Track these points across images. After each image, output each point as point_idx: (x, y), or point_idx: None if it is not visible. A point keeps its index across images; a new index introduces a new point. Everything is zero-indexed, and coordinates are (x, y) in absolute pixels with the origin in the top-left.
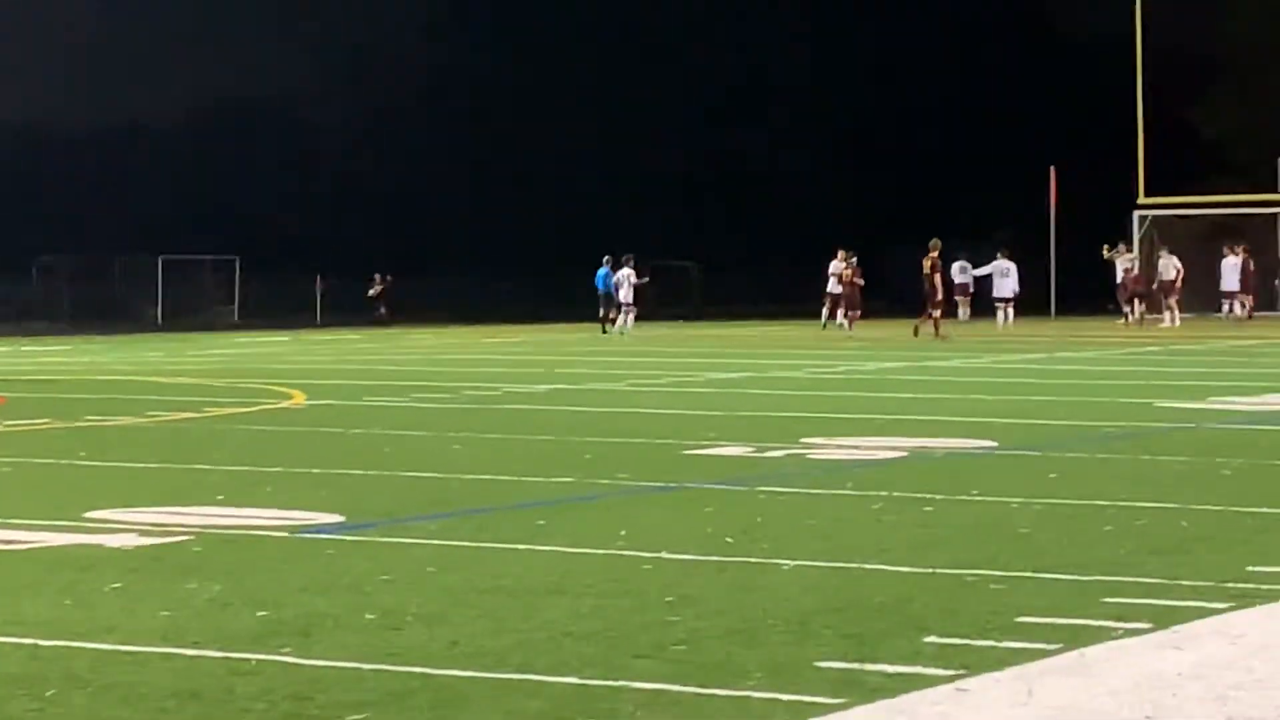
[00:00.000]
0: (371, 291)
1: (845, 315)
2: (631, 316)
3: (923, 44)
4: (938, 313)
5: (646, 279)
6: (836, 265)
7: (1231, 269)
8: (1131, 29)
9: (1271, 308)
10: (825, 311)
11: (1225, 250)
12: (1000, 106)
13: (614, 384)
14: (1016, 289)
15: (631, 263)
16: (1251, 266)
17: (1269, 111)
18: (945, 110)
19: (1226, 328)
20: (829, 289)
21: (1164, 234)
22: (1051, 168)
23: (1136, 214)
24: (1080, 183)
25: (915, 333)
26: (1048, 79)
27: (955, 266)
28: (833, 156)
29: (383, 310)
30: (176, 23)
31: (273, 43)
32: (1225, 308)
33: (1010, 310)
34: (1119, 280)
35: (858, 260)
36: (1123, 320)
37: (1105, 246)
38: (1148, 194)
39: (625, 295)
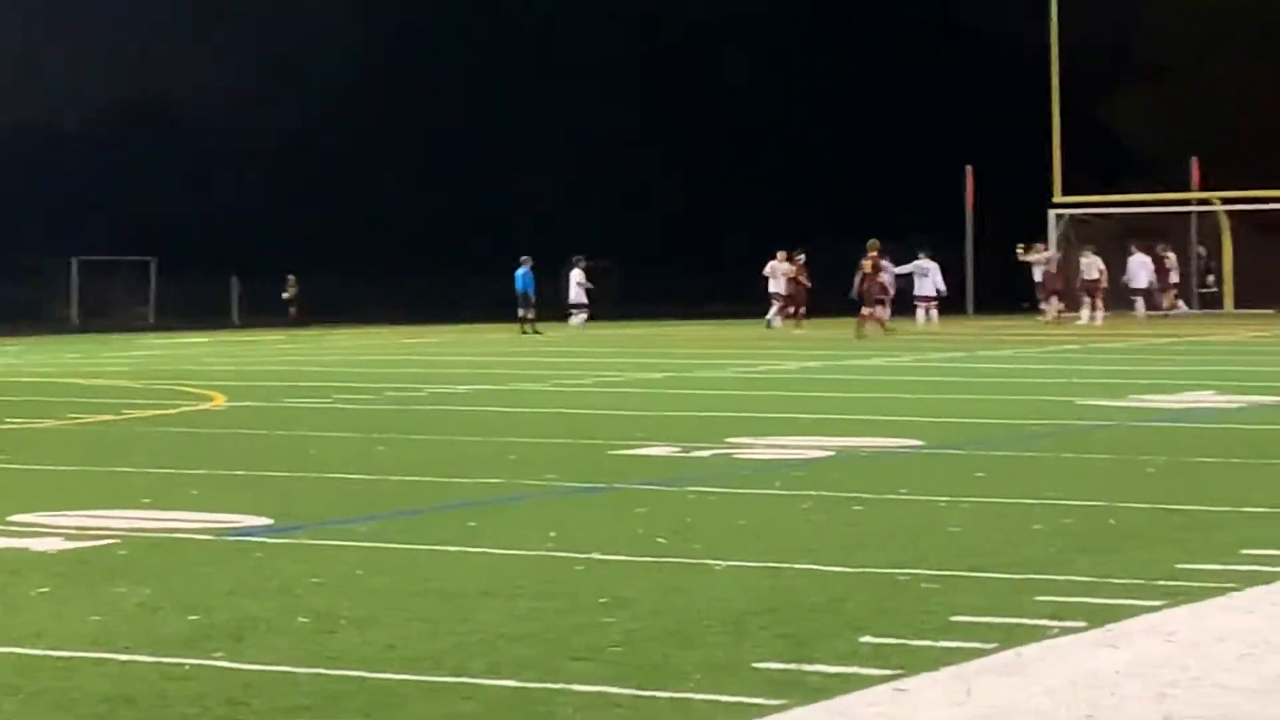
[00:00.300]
0: (285, 294)
1: (783, 313)
2: (584, 316)
3: (841, 43)
4: (869, 311)
5: (591, 286)
6: (777, 266)
7: (1140, 266)
8: (1046, 28)
9: (1187, 305)
10: (773, 310)
11: (1132, 248)
12: (917, 107)
13: (537, 384)
14: (941, 288)
15: (582, 264)
16: (1167, 265)
17: (1184, 111)
18: (862, 111)
19: (1143, 325)
20: (770, 289)
21: (1080, 233)
22: (968, 167)
23: (1053, 213)
24: (997, 182)
25: (883, 328)
26: (964, 79)
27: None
28: (751, 157)
29: (294, 311)
30: (93, 23)
31: (190, 44)
32: (1137, 306)
33: (933, 310)
34: (1038, 279)
35: (805, 259)
36: (1042, 318)
37: (1020, 247)
38: (1064, 193)
39: (576, 295)
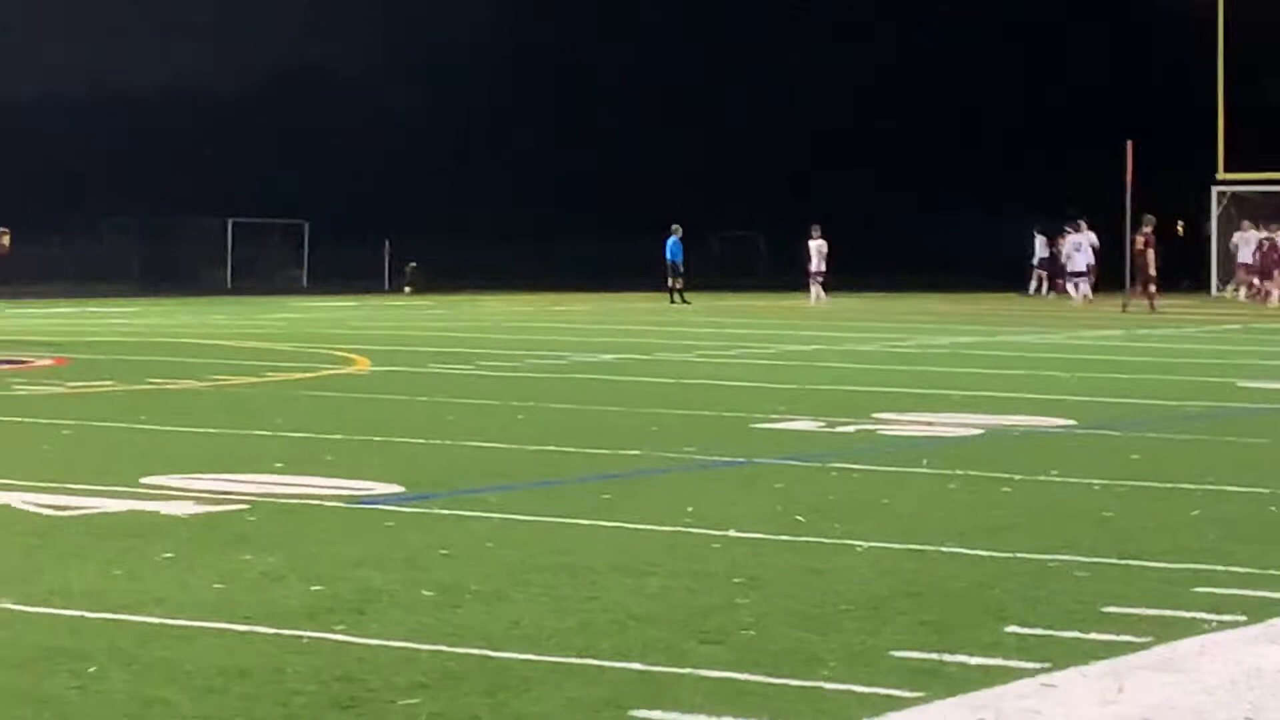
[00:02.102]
0: (406, 271)
1: (1139, 288)
2: (820, 286)
3: (1002, 15)
4: (1153, 288)
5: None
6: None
7: (1245, 244)
8: (1213, 1)
9: None
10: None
11: (1244, 225)
12: (1076, 80)
13: (683, 354)
14: (1091, 263)
15: (819, 232)
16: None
17: None
18: (1021, 83)
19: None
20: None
21: (1242, 210)
22: (1129, 142)
23: (1215, 189)
24: (1158, 158)
25: (1123, 308)
26: (1125, 53)
27: (1037, 242)
28: (909, 132)
29: (408, 289)
30: None
31: (349, 10)
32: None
33: (1084, 284)
34: (1245, 259)
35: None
36: (1258, 296)
37: (1180, 223)
38: (1226, 169)
39: (817, 264)
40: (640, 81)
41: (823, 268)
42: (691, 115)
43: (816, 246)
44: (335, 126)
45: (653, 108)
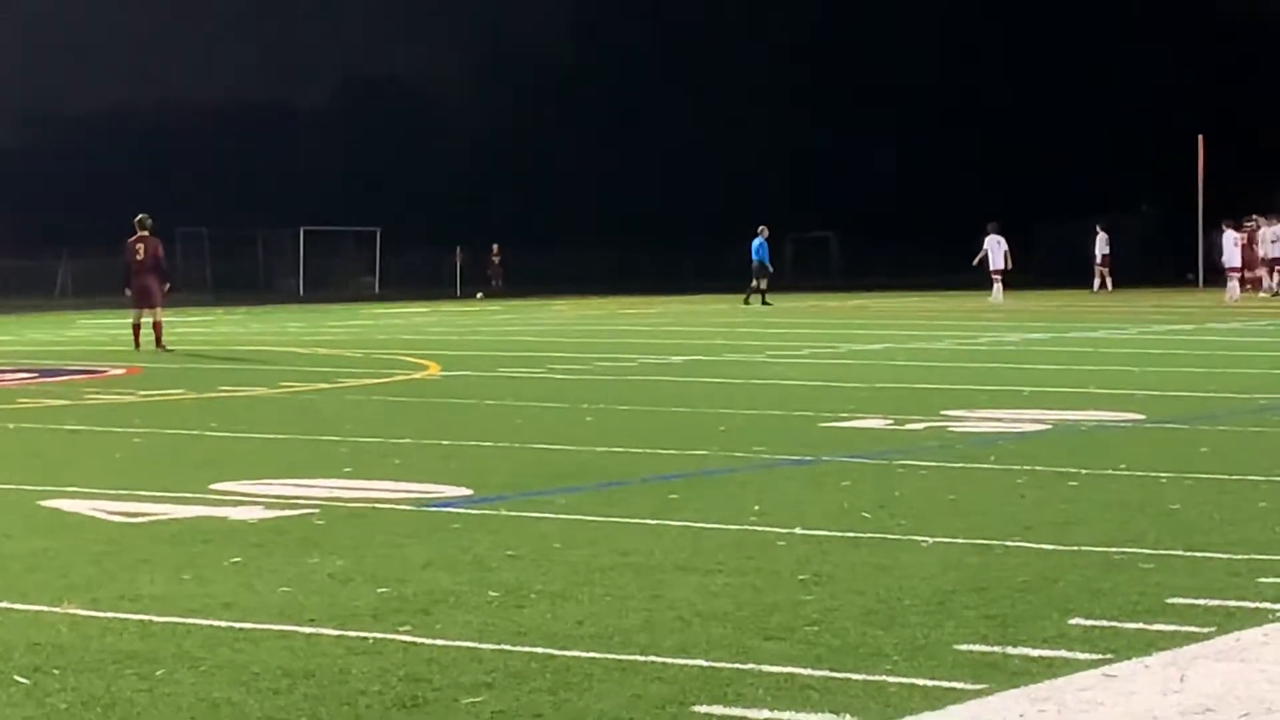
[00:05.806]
0: (494, 260)
1: (1242, 281)
2: (999, 286)
3: (1069, 9)
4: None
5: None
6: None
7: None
8: None
9: None
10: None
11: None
12: (1147, 77)
13: (752, 355)
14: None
15: (997, 228)
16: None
17: None
18: (1091, 83)
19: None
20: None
21: None
22: (1199, 137)
23: None
24: (1227, 153)
25: None
26: (1196, 49)
27: (1099, 239)
28: (974, 131)
29: (496, 283)
30: (319, 6)
31: (414, 20)
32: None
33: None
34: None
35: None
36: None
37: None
38: None
39: (997, 262)
40: (711, 84)
41: (1001, 265)
42: (761, 116)
43: (994, 243)
44: (406, 134)
45: (723, 110)
